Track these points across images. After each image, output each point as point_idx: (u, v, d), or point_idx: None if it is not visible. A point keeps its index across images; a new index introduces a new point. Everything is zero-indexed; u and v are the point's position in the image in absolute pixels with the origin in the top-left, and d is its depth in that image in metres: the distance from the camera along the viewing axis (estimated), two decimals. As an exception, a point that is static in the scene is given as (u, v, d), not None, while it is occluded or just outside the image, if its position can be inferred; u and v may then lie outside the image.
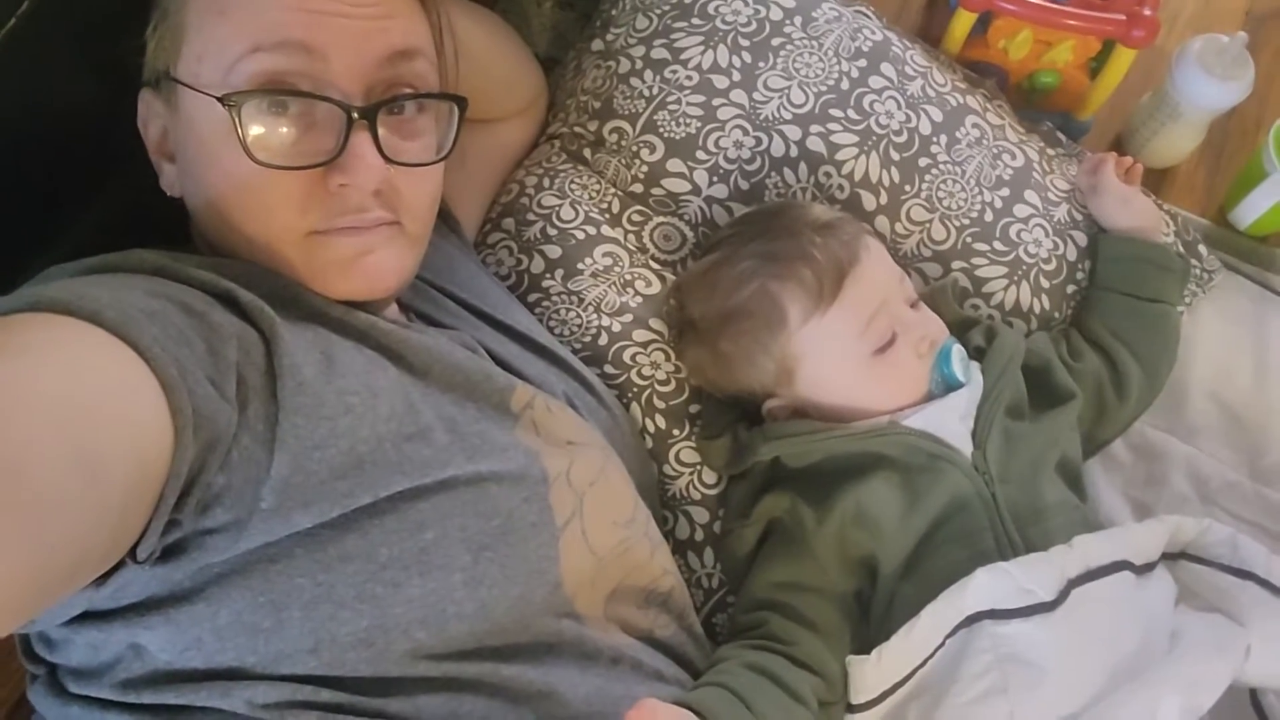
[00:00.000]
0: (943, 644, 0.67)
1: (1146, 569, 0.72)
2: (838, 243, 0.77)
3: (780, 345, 0.77)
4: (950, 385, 0.77)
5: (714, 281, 0.80)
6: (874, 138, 0.89)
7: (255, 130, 0.57)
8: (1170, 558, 0.74)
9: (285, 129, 0.57)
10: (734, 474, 0.81)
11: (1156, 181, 1.06)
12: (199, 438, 0.47)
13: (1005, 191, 0.91)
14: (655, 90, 0.90)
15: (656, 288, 0.87)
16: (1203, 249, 0.98)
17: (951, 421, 0.76)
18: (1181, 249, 0.96)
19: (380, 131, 0.58)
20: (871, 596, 0.74)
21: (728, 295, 0.78)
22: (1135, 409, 0.88)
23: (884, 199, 0.89)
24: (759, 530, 0.77)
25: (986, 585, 0.67)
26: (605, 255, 0.87)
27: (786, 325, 0.76)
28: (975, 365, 0.80)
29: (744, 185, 0.89)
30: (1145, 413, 0.90)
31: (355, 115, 0.57)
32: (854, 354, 0.76)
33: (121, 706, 0.53)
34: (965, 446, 0.75)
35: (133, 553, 0.46)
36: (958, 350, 0.78)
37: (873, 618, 0.74)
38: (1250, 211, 1.00)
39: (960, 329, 0.84)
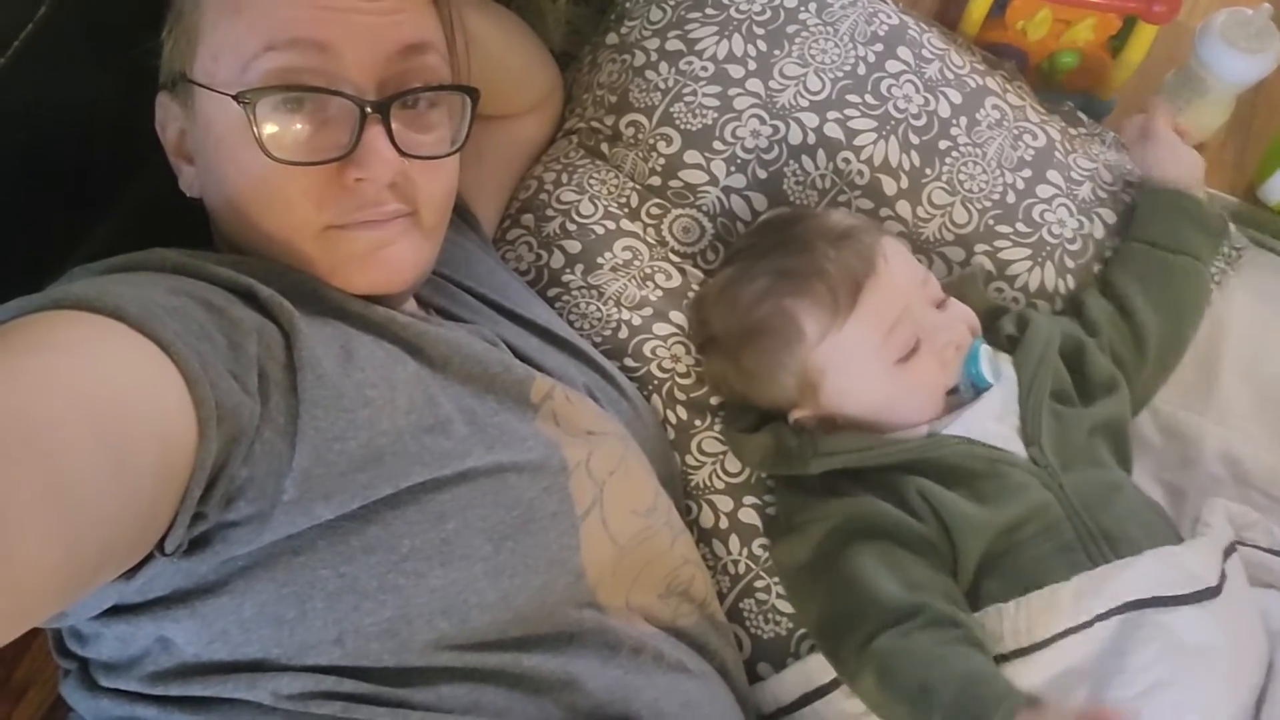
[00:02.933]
0: (1091, 624, 0.65)
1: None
2: (852, 253, 0.76)
3: (800, 361, 0.76)
4: (978, 386, 0.76)
5: (732, 298, 0.79)
6: (892, 122, 0.88)
7: (270, 127, 0.57)
8: None
9: (300, 125, 0.58)
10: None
11: (1184, 159, 1.04)
12: (222, 430, 0.47)
13: (1027, 172, 0.90)
14: (671, 82, 0.90)
15: (677, 281, 0.86)
16: (1233, 227, 0.96)
17: (989, 423, 0.74)
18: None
19: (394, 125, 0.58)
20: None
21: (746, 313, 0.78)
22: (1156, 370, 0.85)
23: (904, 183, 0.88)
24: (829, 527, 0.73)
25: (1155, 570, 0.65)
26: (625, 249, 0.86)
27: (805, 341, 0.76)
28: (1006, 359, 0.78)
29: (762, 174, 0.89)
30: (1177, 395, 0.88)
31: (369, 110, 0.58)
32: (876, 365, 0.75)
33: (150, 699, 0.53)
34: (1014, 446, 0.73)
35: (160, 545, 0.47)
36: (985, 351, 0.76)
37: None
38: (1281, 187, 0.98)
39: (990, 317, 0.82)
